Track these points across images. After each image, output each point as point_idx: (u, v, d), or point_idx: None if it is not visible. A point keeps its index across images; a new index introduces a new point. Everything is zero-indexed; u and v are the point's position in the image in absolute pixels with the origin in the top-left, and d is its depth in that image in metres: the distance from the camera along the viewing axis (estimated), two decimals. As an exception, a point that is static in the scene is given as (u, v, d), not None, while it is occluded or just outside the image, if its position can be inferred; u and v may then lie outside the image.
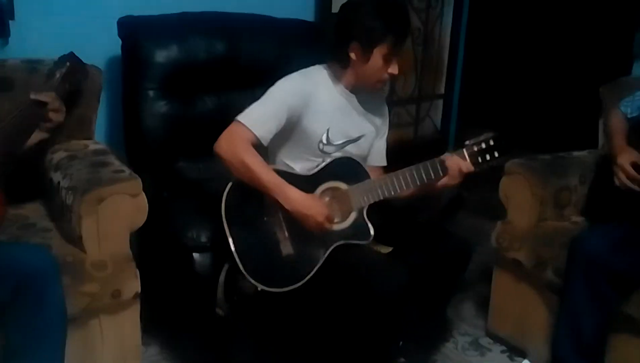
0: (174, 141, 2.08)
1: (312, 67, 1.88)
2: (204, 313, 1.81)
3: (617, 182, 1.87)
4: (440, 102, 3.55)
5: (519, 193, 2.12)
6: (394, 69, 1.80)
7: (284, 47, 2.25)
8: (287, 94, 1.77)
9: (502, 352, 2.24)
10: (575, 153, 2.27)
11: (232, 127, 1.73)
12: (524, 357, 2.16)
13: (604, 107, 2.23)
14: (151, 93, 2.05)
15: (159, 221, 1.82)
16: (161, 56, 2.06)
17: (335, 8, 2.66)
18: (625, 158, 1.86)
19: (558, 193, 2.13)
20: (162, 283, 1.96)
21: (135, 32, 2.09)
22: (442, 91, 3.53)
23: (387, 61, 1.77)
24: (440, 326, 2.30)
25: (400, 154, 2.03)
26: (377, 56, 1.76)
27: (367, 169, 1.93)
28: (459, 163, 1.76)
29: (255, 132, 1.71)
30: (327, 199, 1.79)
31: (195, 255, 1.81)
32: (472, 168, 1.76)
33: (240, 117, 1.73)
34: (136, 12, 2.12)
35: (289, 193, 1.70)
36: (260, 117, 1.73)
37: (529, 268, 2.08)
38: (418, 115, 3.48)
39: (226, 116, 1.76)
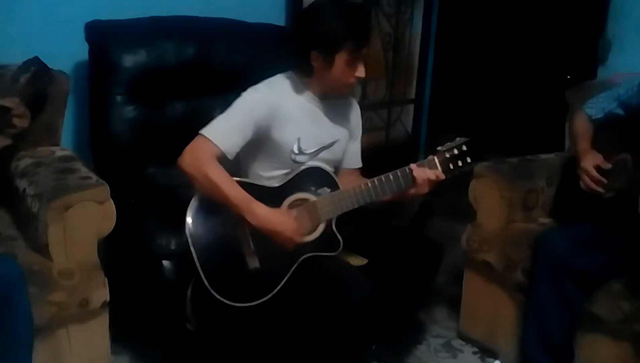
0: (143, 147, 2.05)
1: (277, 76, 1.84)
2: (175, 322, 1.79)
3: (582, 185, 1.91)
4: (411, 106, 3.58)
5: (488, 196, 2.15)
6: (360, 73, 1.76)
7: (255, 52, 2.24)
8: (253, 107, 1.73)
9: (474, 353, 2.26)
10: (543, 156, 2.31)
11: (196, 142, 1.69)
12: (496, 358, 2.19)
13: (570, 110, 2.28)
14: (119, 98, 2.03)
15: (128, 229, 1.80)
16: (129, 60, 2.03)
17: (306, 12, 2.68)
18: (589, 161, 1.90)
19: (526, 195, 2.17)
20: (131, 292, 1.92)
21: (103, 36, 2.06)
22: (413, 95, 3.56)
23: (351, 65, 1.74)
24: (413, 328, 2.32)
25: (372, 159, 2.04)
26: (340, 62, 1.73)
27: (343, 172, 1.92)
28: (426, 172, 1.73)
29: (220, 147, 1.67)
30: (295, 211, 1.75)
31: (165, 263, 1.79)
32: (441, 176, 1.74)
33: (205, 131, 1.69)
34: (104, 17, 2.09)
35: (256, 210, 1.66)
36: (225, 131, 1.70)
37: (499, 270, 2.11)
38: (389, 119, 3.50)
39: (197, 122, 1.73)
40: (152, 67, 2.06)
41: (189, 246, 1.67)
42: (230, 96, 1.78)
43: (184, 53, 2.12)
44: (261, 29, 2.35)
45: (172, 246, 1.79)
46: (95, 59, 2.07)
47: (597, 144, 1.96)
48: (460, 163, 1.74)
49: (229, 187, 1.66)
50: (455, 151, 1.74)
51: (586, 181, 1.90)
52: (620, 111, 1.95)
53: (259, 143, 1.77)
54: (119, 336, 1.98)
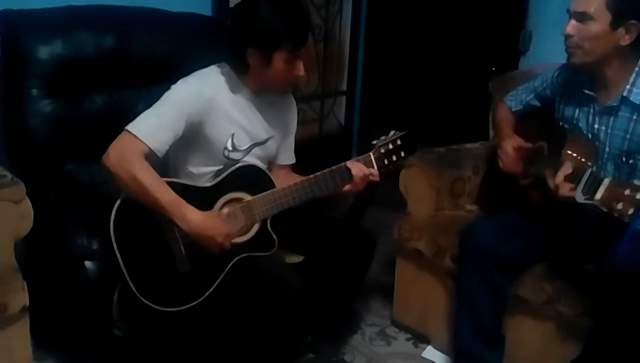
0: (61, 143, 1.95)
1: (210, 68, 1.75)
2: (101, 327, 1.73)
3: (500, 165, 1.97)
4: (344, 98, 3.60)
5: (417, 185, 2.19)
6: (299, 71, 1.71)
7: (179, 42, 2.17)
8: (184, 101, 1.64)
9: (407, 339, 2.30)
10: (468, 145, 2.38)
11: (122, 139, 1.58)
12: (428, 343, 2.24)
13: (493, 100, 2.35)
14: (34, 92, 1.92)
15: (47, 229, 1.72)
16: (45, 52, 1.93)
17: (232, 2, 2.63)
18: (509, 143, 1.97)
19: (453, 183, 2.23)
20: (54, 295, 1.84)
21: (15, 26, 1.94)
22: (345, 87, 3.57)
23: (289, 63, 1.68)
24: (348, 318, 2.33)
25: (306, 151, 2.03)
26: (278, 60, 1.67)
27: (276, 168, 1.89)
28: (362, 169, 1.73)
29: (148, 144, 1.57)
30: (226, 211, 1.70)
31: (87, 263, 1.71)
32: (375, 174, 1.74)
33: (131, 128, 1.58)
34: (16, 6, 1.97)
35: (187, 215, 1.59)
36: (154, 127, 1.60)
37: (429, 257, 2.16)
38: (322, 111, 3.51)
39: (118, 116, 1.68)
40: (70, 59, 1.96)
41: (114, 249, 1.59)
42: (153, 88, 1.73)
43: (103, 44, 2.03)
44: (185, 19, 2.28)
45: (95, 246, 1.72)
46: (8, 51, 1.95)
47: (517, 134, 2.02)
48: (394, 158, 1.77)
49: (159, 190, 1.57)
50: (390, 146, 1.76)
51: (502, 160, 1.96)
52: (536, 103, 2.03)
53: (191, 139, 1.69)
54: (43, 341, 1.90)
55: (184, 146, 1.70)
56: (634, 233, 1.42)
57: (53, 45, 1.94)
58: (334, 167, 1.74)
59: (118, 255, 1.59)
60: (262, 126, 1.81)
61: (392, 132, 1.78)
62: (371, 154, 1.75)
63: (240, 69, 1.72)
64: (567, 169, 1.59)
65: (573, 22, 1.68)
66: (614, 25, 1.64)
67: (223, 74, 1.74)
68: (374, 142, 1.76)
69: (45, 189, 1.83)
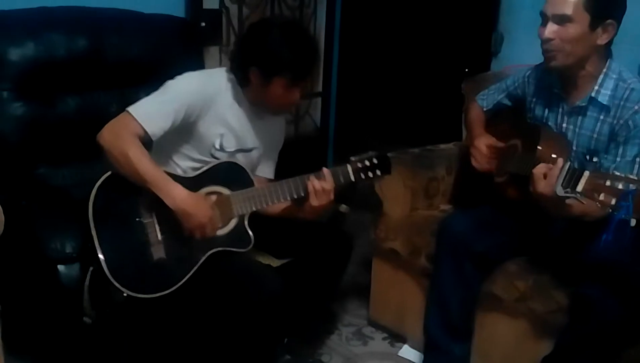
0: (33, 146, 1.93)
1: (217, 69, 1.83)
2: (73, 328, 1.70)
3: (473, 163, 2.00)
4: (319, 100, 3.60)
5: (393, 186, 2.21)
6: (294, 98, 1.78)
7: (153, 44, 2.16)
8: (188, 93, 1.70)
9: (384, 339, 2.31)
10: (442, 146, 2.41)
11: (120, 118, 1.63)
12: (404, 342, 2.26)
13: (465, 101, 2.38)
14: (5, 94, 1.90)
15: (18, 233, 1.68)
16: (15, 53, 1.90)
17: (206, 4, 2.62)
18: (481, 141, 2.00)
19: (428, 183, 2.25)
20: (25, 299, 1.81)
21: (-15, 28, 1.91)
22: (320, 88, 3.58)
23: (287, 89, 1.74)
24: (325, 319, 2.34)
25: (282, 152, 2.04)
26: (277, 84, 1.73)
27: (255, 179, 1.91)
28: (320, 184, 1.72)
29: (145, 128, 1.62)
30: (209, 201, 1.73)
31: (60, 267, 1.68)
32: (329, 189, 1.73)
33: (132, 109, 1.63)
34: (-15, 7, 1.95)
35: (173, 190, 1.63)
36: (154, 112, 1.65)
37: (405, 257, 2.17)
38: (298, 113, 3.51)
39: (91, 118, 1.68)
40: (41, 61, 1.94)
41: (90, 229, 1.60)
42: (126, 90, 1.73)
43: (76, 46, 2.00)
44: (159, 21, 2.27)
45: (68, 249, 1.69)
46: (-23, 52, 1.92)
47: (489, 133, 2.05)
48: (370, 174, 1.81)
49: (147, 165, 1.61)
50: (367, 163, 1.81)
51: (476, 158, 1.99)
52: (508, 102, 2.06)
53: (183, 131, 1.73)
54: (15, 346, 1.84)
55: (175, 136, 1.74)
56: (618, 222, 1.43)
57: (24, 47, 1.92)
58: (310, 174, 1.77)
59: (94, 235, 1.60)
60: (250, 135, 1.85)
61: (370, 152, 1.83)
62: (349, 166, 1.79)
63: (242, 82, 1.78)
64: (547, 166, 1.59)
65: (551, 25, 1.68)
66: (593, 25, 1.66)
67: (227, 79, 1.80)
68: (352, 158, 1.81)
69: (16, 193, 1.81)
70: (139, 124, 1.62)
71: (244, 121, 1.83)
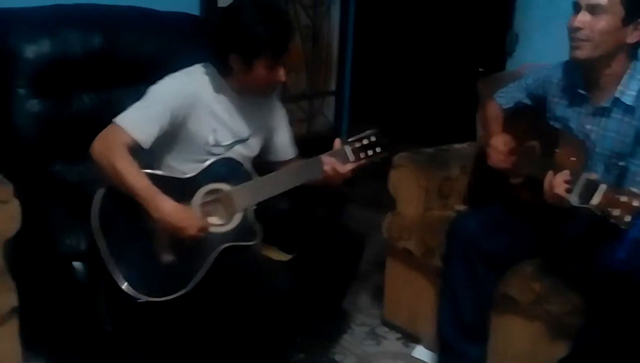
0: (49, 142, 1.94)
1: (195, 66, 1.80)
2: (90, 326, 1.71)
3: (489, 162, 1.98)
4: (332, 98, 3.60)
5: (406, 185, 2.20)
6: (280, 77, 1.76)
7: (167, 42, 2.16)
8: (170, 95, 1.70)
9: (398, 339, 2.30)
10: (457, 145, 2.39)
11: (109, 130, 1.64)
12: (418, 343, 2.24)
13: (481, 100, 2.36)
14: (22, 91, 1.90)
15: (35, 229, 1.70)
16: (32, 51, 1.91)
17: (221, 2, 2.62)
18: (499, 139, 1.97)
19: (441, 183, 2.24)
20: (42, 296, 1.82)
21: (2, 25, 1.92)
22: (334, 87, 3.58)
23: (271, 69, 1.73)
24: (337, 318, 2.33)
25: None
26: (259, 66, 1.71)
27: (280, 165, 1.93)
28: (333, 163, 1.77)
29: (134, 136, 1.63)
30: (208, 204, 1.73)
31: (75, 264, 1.70)
32: (347, 169, 1.78)
33: (118, 120, 1.65)
34: (3, 5, 1.95)
35: (160, 204, 1.61)
36: (140, 120, 1.66)
37: (419, 257, 2.16)
38: (311, 111, 3.51)
39: (106, 115, 1.68)
40: (57, 58, 1.95)
41: (96, 242, 1.61)
42: (141, 87, 1.74)
43: (91, 43, 2.01)
44: (173, 18, 2.27)
45: (82, 246, 1.70)
46: (-6, 50, 1.94)
47: (506, 133, 2.02)
48: (370, 153, 1.82)
49: (134, 178, 1.61)
50: (365, 141, 1.81)
51: (493, 157, 1.96)
52: (528, 101, 2.03)
53: (174, 133, 1.73)
54: (32, 343, 1.87)
55: (168, 140, 1.74)
56: (632, 241, 1.41)
57: (40, 44, 1.93)
58: (310, 159, 1.79)
59: (103, 244, 1.61)
60: (244, 124, 1.84)
61: (367, 131, 1.84)
62: (347, 146, 1.81)
63: (224, 71, 1.77)
64: (565, 174, 1.59)
65: (583, 14, 1.65)
66: (626, 21, 1.63)
67: (207, 73, 1.79)
68: (349, 139, 1.82)
69: (33, 189, 1.81)
70: (128, 134, 1.63)
71: (233, 111, 1.81)
